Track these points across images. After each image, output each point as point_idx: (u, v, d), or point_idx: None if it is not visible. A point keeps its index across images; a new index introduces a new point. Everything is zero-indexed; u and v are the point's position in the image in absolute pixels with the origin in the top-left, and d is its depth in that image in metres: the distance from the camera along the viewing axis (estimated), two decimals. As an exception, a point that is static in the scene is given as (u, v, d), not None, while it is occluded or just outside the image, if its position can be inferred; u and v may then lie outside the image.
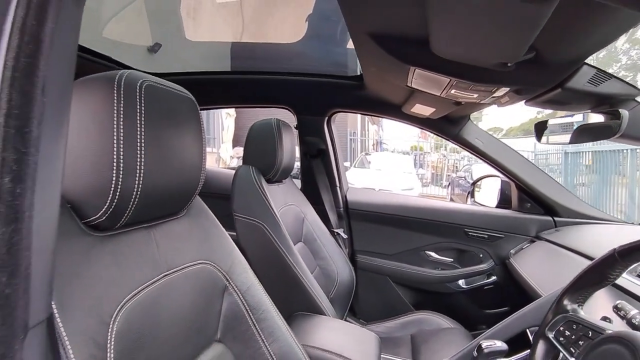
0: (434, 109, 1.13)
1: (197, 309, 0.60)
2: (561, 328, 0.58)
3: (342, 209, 1.55)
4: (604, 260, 0.56)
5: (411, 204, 1.56)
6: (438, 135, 1.40)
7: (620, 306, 0.61)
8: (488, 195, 1.61)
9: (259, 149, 1.17)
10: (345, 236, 1.51)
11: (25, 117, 0.24)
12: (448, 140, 1.38)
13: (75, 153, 0.42)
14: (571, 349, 0.54)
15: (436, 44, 0.59)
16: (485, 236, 1.43)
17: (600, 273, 0.57)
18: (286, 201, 1.28)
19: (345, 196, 1.58)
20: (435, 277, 1.49)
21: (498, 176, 1.52)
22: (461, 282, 1.48)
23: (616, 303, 0.62)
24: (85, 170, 0.43)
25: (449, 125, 1.33)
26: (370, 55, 0.83)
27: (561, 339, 0.57)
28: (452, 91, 0.80)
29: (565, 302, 0.60)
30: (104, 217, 0.45)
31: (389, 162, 9.50)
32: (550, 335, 0.59)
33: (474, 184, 1.71)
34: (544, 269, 1.14)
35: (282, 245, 1.06)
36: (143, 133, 0.46)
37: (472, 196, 1.70)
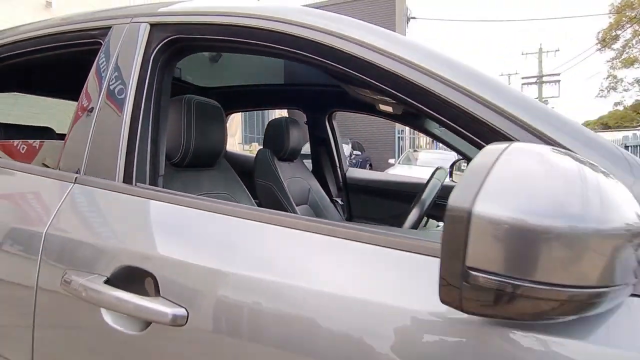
0: (391, 107, 1.61)
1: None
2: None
3: (341, 183, 2.07)
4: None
5: (396, 180, 2.03)
6: (409, 127, 1.86)
7: None
8: (460, 175, 2.03)
9: (273, 137, 1.73)
10: (342, 203, 2.03)
11: (158, 119, 0.81)
12: (416, 130, 1.84)
13: (169, 132, 1.01)
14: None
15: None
16: (449, 204, 1.86)
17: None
18: (294, 175, 1.83)
19: (345, 174, 2.09)
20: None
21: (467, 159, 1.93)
22: (430, 239, 1.92)
23: None
24: (170, 138, 1.01)
25: (414, 119, 1.79)
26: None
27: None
28: (374, 97, 1.29)
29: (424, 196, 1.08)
30: (178, 160, 1.04)
31: (436, 158, 9.64)
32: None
33: (451, 166, 2.13)
34: None
35: (284, 199, 1.61)
36: (194, 124, 1.04)
37: (451, 176, 2.12)
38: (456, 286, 0.31)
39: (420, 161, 9.52)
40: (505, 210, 0.30)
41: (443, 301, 0.33)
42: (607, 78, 26.93)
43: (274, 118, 1.77)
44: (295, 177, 1.83)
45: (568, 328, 0.39)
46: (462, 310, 0.33)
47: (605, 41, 24.55)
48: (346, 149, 10.24)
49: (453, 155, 10.41)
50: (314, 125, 2.01)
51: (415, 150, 11.47)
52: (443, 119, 0.57)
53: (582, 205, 0.31)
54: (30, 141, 1.65)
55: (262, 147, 1.77)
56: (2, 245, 0.72)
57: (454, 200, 0.31)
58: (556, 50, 24.77)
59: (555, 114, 0.52)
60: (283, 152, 1.72)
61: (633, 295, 0.40)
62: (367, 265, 0.49)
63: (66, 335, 0.64)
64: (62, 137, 1.83)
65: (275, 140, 1.73)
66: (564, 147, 0.48)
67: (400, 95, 0.59)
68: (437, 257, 0.33)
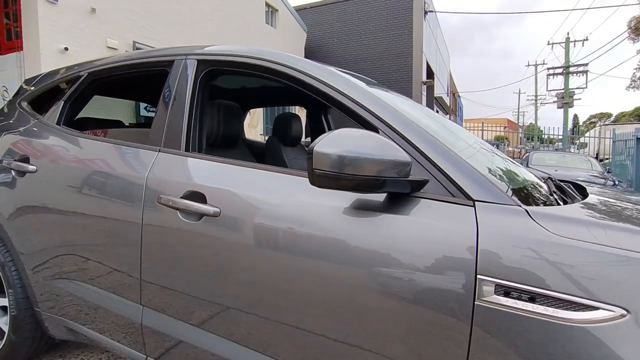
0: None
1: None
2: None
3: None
4: None
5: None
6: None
7: None
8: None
9: (279, 127, 2.30)
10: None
11: (202, 116, 1.38)
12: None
13: (207, 124, 1.59)
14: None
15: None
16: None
17: None
18: (296, 156, 2.39)
19: (338, 157, 2.64)
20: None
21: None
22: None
23: None
24: (208, 128, 1.59)
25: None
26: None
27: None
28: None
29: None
30: (212, 141, 1.62)
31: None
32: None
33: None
34: None
35: (286, 174, 2.18)
36: (222, 119, 1.62)
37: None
38: (311, 175, 0.87)
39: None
40: (325, 148, 0.85)
41: (310, 182, 0.88)
42: (639, 69, 25.93)
43: (280, 113, 2.33)
44: (297, 159, 2.39)
45: (402, 209, 0.93)
46: (317, 185, 0.87)
47: (638, 29, 23.61)
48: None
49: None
50: (314, 119, 2.56)
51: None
52: (346, 114, 1.11)
53: (363, 149, 0.85)
54: (97, 131, 2.29)
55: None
56: (121, 188, 1.32)
57: (311, 145, 0.86)
58: (584, 40, 23.99)
59: (396, 111, 1.06)
60: (287, 139, 2.29)
61: (419, 197, 0.94)
62: (298, 189, 1.05)
63: (158, 249, 1.22)
64: (124, 126, 2.47)
65: (280, 130, 2.29)
66: (396, 129, 1.01)
67: (322, 100, 1.15)
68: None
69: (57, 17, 6.35)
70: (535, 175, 1.37)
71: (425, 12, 13.82)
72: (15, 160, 1.58)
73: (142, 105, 6.97)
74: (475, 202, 0.90)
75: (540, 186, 1.22)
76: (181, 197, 1.16)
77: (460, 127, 1.63)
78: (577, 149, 17.35)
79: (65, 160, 1.49)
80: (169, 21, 8.41)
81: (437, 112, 15.89)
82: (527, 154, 9.65)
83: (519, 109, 44.44)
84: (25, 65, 6.35)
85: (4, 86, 6.94)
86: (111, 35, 7.19)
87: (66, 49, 6.38)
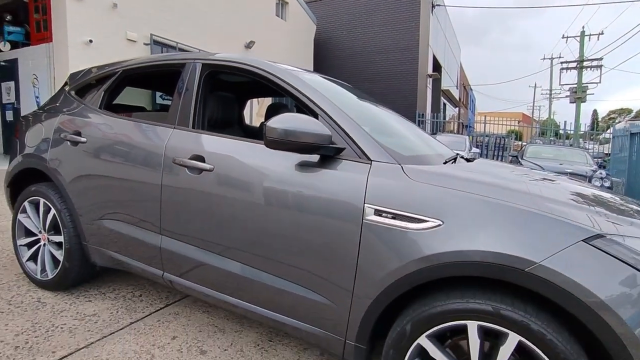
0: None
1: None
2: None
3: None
4: None
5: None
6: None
7: None
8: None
9: (270, 114, 2.83)
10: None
11: (206, 104, 1.93)
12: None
13: (209, 110, 2.14)
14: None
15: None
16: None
17: None
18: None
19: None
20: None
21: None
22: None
23: None
24: (209, 112, 2.13)
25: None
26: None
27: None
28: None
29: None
30: (213, 123, 2.17)
31: (450, 141, 10.42)
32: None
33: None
34: None
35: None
36: (221, 106, 2.16)
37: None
38: (265, 140, 1.40)
39: (435, 144, 10.33)
40: (274, 124, 1.38)
41: (265, 145, 1.41)
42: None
43: (271, 103, 2.87)
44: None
45: (329, 166, 1.46)
46: (269, 147, 1.41)
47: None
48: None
49: (464, 139, 11.13)
50: (299, 108, 3.08)
51: (433, 134, 12.22)
52: (301, 107, 1.64)
53: (299, 125, 1.38)
54: (122, 115, 2.85)
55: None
56: (146, 153, 1.87)
57: (265, 122, 1.39)
58: (600, 34, 23.72)
59: (331, 104, 1.57)
60: None
61: (341, 159, 1.46)
62: (264, 154, 1.58)
63: (173, 193, 1.77)
64: (146, 111, 3.03)
65: (271, 115, 2.82)
66: (328, 114, 1.54)
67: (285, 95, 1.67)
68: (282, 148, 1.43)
69: (82, 12, 6.95)
70: (438, 149, 1.90)
71: (433, 6, 14.05)
72: (70, 133, 2.16)
73: (158, 94, 7.57)
74: (372, 162, 1.42)
75: (431, 154, 1.73)
76: (188, 159, 1.71)
77: (398, 116, 2.15)
78: (599, 144, 17.31)
79: (107, 134, 2.05)
80: (182, 14, 8.96)
81: (444, 104, 16.16)
82: (525, 146, 10.00)
83: (534, 103, 43.95)
84: (54, 56, 7.00)
85: (34, 74, 7.62)
86: (130, 29, 7.79)
87: (90, 41, 7.00)
